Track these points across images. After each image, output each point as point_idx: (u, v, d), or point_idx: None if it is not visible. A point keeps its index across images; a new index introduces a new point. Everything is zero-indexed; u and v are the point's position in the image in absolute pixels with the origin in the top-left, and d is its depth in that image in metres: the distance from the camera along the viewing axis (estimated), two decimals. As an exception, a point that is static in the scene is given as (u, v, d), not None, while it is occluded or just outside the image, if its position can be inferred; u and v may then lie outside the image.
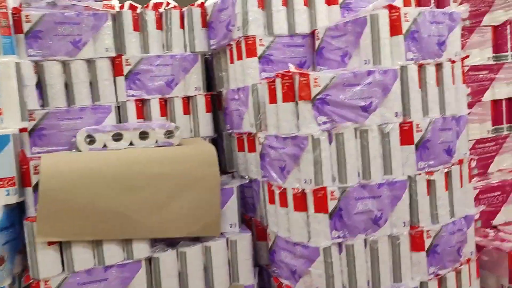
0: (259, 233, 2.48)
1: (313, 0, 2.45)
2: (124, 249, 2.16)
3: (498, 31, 3.14)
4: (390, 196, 2.04)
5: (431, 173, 2.10)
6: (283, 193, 2.11)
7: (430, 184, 2.12)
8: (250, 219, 2.59)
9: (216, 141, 2.89)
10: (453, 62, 2.20)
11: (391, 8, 2.06)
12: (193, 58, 2.68)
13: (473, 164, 3.11)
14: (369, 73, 1.99)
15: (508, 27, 3.13)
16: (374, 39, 2.04)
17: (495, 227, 2.78)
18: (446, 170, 2.15)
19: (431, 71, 2.12)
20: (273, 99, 2.11)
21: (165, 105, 2.66)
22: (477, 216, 2.76)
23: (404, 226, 2.07)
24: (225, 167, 2.83)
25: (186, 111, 2.69)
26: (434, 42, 2.13)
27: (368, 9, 2.07)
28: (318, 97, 1.94)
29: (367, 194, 2.01)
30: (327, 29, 2.32)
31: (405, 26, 2.05)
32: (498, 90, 3.16)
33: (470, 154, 3.08)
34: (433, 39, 2.13)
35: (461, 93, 2.27)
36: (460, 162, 2.24)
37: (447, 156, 2.16)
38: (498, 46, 3.15)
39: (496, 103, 3.18)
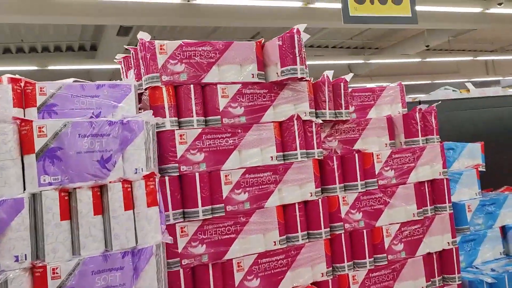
0: None
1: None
2: None
3: (283, 127, 2.79)
4: None
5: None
6: None
7: None
8: None
9: None
10: (128, 182, 1.77)
11: (22, 121, 1.65)
12: None
13: (256, 283, 2.64)
14: (-26, 206, 1.53)
15: (295, 122, 2.78)
16: (-8, 159, 1.61)
17: None
18: (108, 324, 1.66)
19: (85, 196, 1.68)
20: None
21: None
22: None
23: None
24: None
25: None
26: (92, 159, 1.72)
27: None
28: None
29: None
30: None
31: (39, 143, 1.63)
32: (287, 194, 2.76)
33: (252, 270, 2.63)
34: (91, 156, 1.72)
35: (147, 220, 1.82)
36: (139, 309, 1.75)
37: (114, 304, 1.68)
38: (285, 144, 2.79)
39: (286, 208, 2.76)
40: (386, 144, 3.25)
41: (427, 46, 10.35)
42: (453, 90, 4.53)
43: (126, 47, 2.76)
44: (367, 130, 3.20)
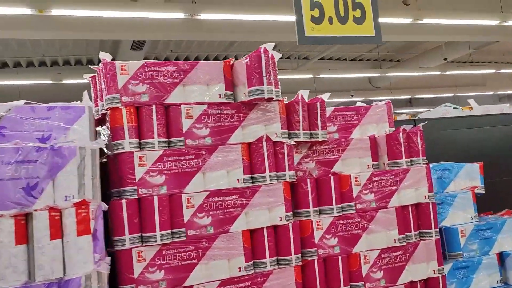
0: None
1: None
2: None
3: (252, 148, 2.70)
4: None
5: None
6: None
7: None
8: None
9: None
10: (56, 210, 1.72)
11: None
12: None
13: (219, 311, 2.53)
14: None
15: (264, 143, 2.69)
16: None
17: None
18: None
19: (6, 225, 1.63)
20: None
21: None
22: None
23: None
24: None
25: None
26: (17, 187, 1.67)
27: None
28: None
29: None
30: None
31: (-41, 170, 1.60)
32: (254, 218, 2.65)
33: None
34: (15, 184, 1.67)
35: (76, 249, 1.76)
36: None
37: (33, 338, 1.62)
38: (254, 166, 2.69)
39: (254, 233, 2.66)
40: (368, 165, 3.11)
41: (445, 59, 10.08)
42: (453, 108, 4.33)
43: (90, 67, 2.74)
44: (348, 151, 3.07)
